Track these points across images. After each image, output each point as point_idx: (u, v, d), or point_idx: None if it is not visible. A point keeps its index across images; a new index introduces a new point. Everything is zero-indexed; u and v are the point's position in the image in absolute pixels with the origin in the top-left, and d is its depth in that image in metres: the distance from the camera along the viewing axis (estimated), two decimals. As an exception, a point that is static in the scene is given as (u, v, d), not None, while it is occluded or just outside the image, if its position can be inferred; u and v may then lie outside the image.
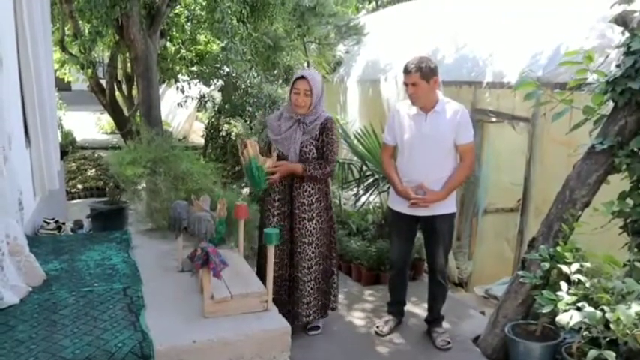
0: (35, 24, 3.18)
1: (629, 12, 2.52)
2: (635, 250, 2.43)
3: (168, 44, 6.92)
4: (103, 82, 7.51)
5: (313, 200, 2.83)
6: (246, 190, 4.63)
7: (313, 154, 2.79)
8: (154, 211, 3.06)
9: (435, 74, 2.76)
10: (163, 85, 8.54)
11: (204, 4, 6.32)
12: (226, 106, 5.99)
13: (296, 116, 2.79)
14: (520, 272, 2.66)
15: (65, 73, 7.83)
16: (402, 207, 2.89)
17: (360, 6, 12.12)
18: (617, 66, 2.49)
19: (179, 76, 7.03)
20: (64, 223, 3.20)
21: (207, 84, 6.65)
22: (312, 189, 2.82)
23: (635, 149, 2.45)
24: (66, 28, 6.71)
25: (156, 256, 2.66)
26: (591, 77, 2.60)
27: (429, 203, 2.78)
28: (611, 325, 2.05)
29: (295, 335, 2.12)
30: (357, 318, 3.33)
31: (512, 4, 4.82)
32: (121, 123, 7.20)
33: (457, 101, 2.92)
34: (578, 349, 2.27)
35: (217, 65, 6.19)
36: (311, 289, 2.87)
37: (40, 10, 3.45)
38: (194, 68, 6.89)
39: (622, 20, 2.54)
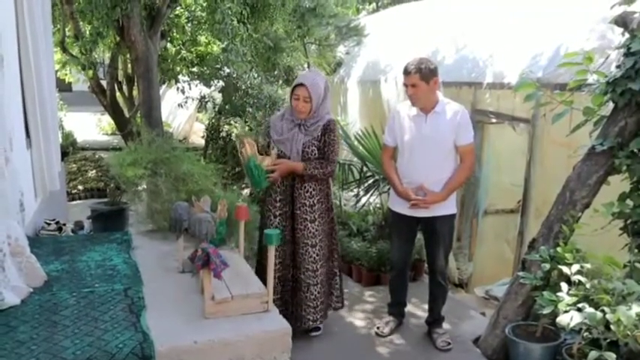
0: (36, 25, 3.18)
1: (630, 13, 2.52)
2: (636, 251, 2.43)
3: (168, 45, 6.93)
4: (104, 83, 7.52)
5: (315, 201, 2.83)
6: (246, 191, 4.64)
7: (315, 154, 2.79)
8: (155, 212, 3.06)
9: (435, 75, 2.76)
10: (164, 86, 8.55)
11: (204, 5, 6.32)
12: (227, 107, 5.99)
13: (297, 120, 2.79)
14: (520, 273, 2.66)
15: (66, 74, 7.84)
16: (402, 208, 2.89)
17: (361, 7, 12.13)
18: (618, 67, 2.49)
19: (180, 77, 7.03)
20: (64, 224, 3.20)
21: (208, 85, 6.66)
22: (314, 190, 2.82)
23: (635, 150, 2.45)
24: (67, 29, 6.72)
25: (156, 257, 2.67)
26: (591, 78, 2.60)
27: (429, 204, 2.79)
28: (612, 327, 2.05)
29: (295, 336, 2.12)
30: (358, 319, 3.33)
31: (513, 5, 4.83)
32: (122, 124, 7.21)
33: (457, 102, 2.93)
34: (579, 350, 2.27)
35: (218, 66, 6.20)
36: (318, 292, 2.85)
37: (41, 11, 3.46)
38: (194, 69, 6.89)
39: (622, 21, 2.54)
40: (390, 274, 3.25)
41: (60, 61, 7.11)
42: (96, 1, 4.65)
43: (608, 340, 2.11)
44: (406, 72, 2.77)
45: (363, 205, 4.44)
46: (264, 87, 5.69)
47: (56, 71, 6.13)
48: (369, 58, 6.47)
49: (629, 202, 2.48)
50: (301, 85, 2.74)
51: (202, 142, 7.28)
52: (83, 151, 8.89)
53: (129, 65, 7.60)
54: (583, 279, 2.33)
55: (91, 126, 12.06)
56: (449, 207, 2.88)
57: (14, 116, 2.84)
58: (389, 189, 3.22)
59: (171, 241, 2.74)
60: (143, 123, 5.26)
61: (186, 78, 6.97)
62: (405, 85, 2.80)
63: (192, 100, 6.83)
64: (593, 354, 2.06)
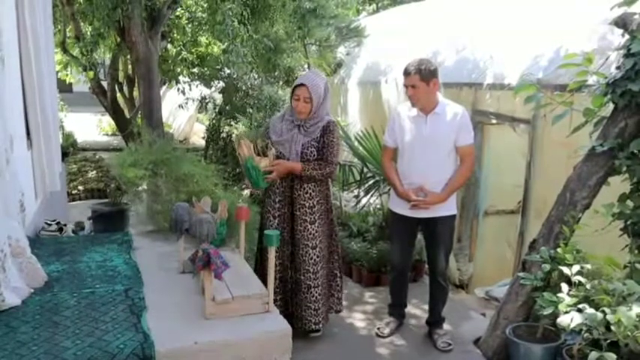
0: (37, 26, 3.19)
1: (629, 14, 2.52)
2: (636, 251, 2.43)
3: (169, 46, 6.95)
4: (105, 83, 7.54)
5: (314, 202, 2.83)
6: (246, 192, 4.64)
7: (314, 155, 2.79)
8: (156, 212, 3.06)
9: (435, 76, 2.77)
10: (164, 87, 8.57)
11: (205, 6, 6.34)
12: (227, 108, 6.00)
13: (297, 121, 2.79)
14: (521, 274, 2.66)
15: (67, 75, 7.85)
16: (402, 209, 2.89)
17: (361, 8, 12.14)
18: (618, 68, 2.49)
19: (180, 77, 7.04)
20: (65, 225, 3.21)
21: (208, 86, 6.67)
22: (313, 191, 2.82)
23: (635, 151, 2.45)
24: (67, 30, 6.73)
25: (157, 257, 2.67)
26: (591, 79, 2.61)
27: (429, 205, 2.79)
28: (612, 327, 2.05)
29: (296, 337, 2.12)
30: (358, 320, 3.33)
31: (513, 6, 4.83)
32: (122, 125, 7.22)
33: (458, 103, 2.93)
34: (579, 351, 2.27)
35: (218, 67, 6.20)
36: (318, 294, 2.84)
37: (42, 12, 3.47)
38: (195, 70, 6.91)
39: (622, 22, 2.54)
40: (390, 274, 3.25)
41: (61, 62, 7.13)
42: (97, 2, 4.66)
43: (608, 341, 2.11)
44: (406, 73, 2.78)
45: (364, 206, 4.44)
46: (265, 88, 5.69)
47: (57, 72, 6.13)
48: (370, 59, 6.48)
49: (630, 203, 2.48)
50: (302, 85, 2.74)
51: (203, 142, 7.28)
52: (84, 152, 8.89)
53: (129, 66, 7.62)
54: (583, 280, 2.33)
55: (92, 127, 12.07)
56: (449, 208, 2.88)
57: (15, 117, 2.84)
58: (389, 190, 3.23)
59: (171, 242, 2.74)
60: (144, 124, 5.27)
61: (186, 79, 6.98)
62: (405, 86, 2.80)
63: (193, 101, 6.84)
64: (594, 355, 2.06)
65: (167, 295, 2.20)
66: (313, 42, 6.56)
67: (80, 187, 6.28)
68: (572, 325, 2.16)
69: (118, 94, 7.79)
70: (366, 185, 4.25)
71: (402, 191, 2.85)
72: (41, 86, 3.22)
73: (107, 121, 11.26)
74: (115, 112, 7.44)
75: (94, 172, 6.89)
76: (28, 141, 3.24)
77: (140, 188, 3.17)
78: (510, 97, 3.53)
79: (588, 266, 2.40)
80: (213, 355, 1.85)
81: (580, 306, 2.21)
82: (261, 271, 2.62)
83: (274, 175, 2.75)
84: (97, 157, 8.12)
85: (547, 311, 2.33)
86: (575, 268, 2.37)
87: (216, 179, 3.34)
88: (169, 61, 6.91)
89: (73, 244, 2.78)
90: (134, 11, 4.81)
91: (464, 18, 5.41)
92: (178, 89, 7.04)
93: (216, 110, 6.36)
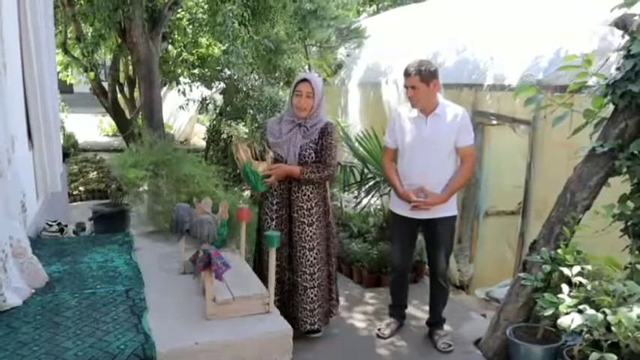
0: (38, 27, 3.20)
1: (629, 15, 2.53)
2: (637, 252, 2.43)
3: (170, 47, 6.96)
4: (105, 84, 7.55)
5: (312, 204, 2.83)
6: (247, 193, 4.64)
7: (312, 157, 2.79)
8: (156, 213, 3.07)
9: (435, 77, 2.77)
10: (165, 88, 8.58)
11: (206, 7, 6.35)
12: (228, 109, 6.01)
13: (297, 120, 2.79)
14: (521, 275, 2.66)
15: (67, 76, 7.86)
16: (403, 210, 2.90)
17: (361, 9, 12.15)
18: (618, 69, 2.50)
19: (181, 78, 7.05)
20: (66, 225, 3.21)
21: (209, 87, 6.68)
22: (311, 193, 2.82)
23: (635, 152, 2.45)
24: (68, 31, 6.74)
25: (158, 258, 2.67)
26: (591, 80, 2.61)
27: (430, 206, 2.79)
28: (613, 328, 2.05)
29: (296, 338, 2.12)
30: (358, 320, 3.33)
31: (513, 7, 4.83)
32: (123, 125, 7.23)
33: (458, 104, 2.93)
34: (580, 351, 2.27)
35: (219, 68, 6.21)
36: (315, 296, 2.85)
37: (44, 13, 3.48)
38: (196, 71, 6.91)
39: (622, 23, 2.55)
40: (390, 275, 3.25)
41: (62, 63, 7.14)
42: (98, 3, 4.67)
43: (609, 342, 2.11)
44: (406, 74, 2.78)
45: (364, 207, 4.45)
46: (265, 89, 5.70)
47: (58, 73, 6.14)
48: (370, 60, 6.48)
49: (630, 204, 2.48)
50: (304, 80, 2.75)
51: (203, 143, 7.30)
52: (84, 153, 8.90)
53: (130, 67, 7.63)
54: (584, 280, 2.33)
55: (93, 127, 12.08)
56: (449, 209, 2.88)
57: (16, 117, 2.85)
58: (390, 191, 3.23)
59: (172, 243, 2.74)
60: (144, 125, 5.28)
61: (187, 80, 6.99)
62: (406, 86, 2.81)
63: (194, 102, 6.85)
64: (594, 356, 2.06)
65: (168, 295, 2.21)
66: (314, 43, 6.57)
67: (81, 188, 6.29)
68: (573, 326, 2.16)
69: (119, 95, 7.80)
70: (367, 186, 4.26)
71: (403, 192, 2.85)
72: (42, 87, 3.23)
73: (108, 122, 11.27)
74: (115, 112, 7.45)
75: (95, 172, 6.89)
76: (30, 142, 3.25)
77: (141, 189, 3.18)
78: (510, 98, 3.53)
79: (589, 267, 2.40)
80: (214, 356, 1.85)
81: (580, 307, 2.21)
82: (259, 273, 2.62)
83: (273, 179, 2.75)
84: (98, 157, 8.13)
85: (547, 312, 2.33)
86: (576, 269, 2.38)
87: (216, 180, 3.35)
88: (170, 62, 6.93)
89: (74, 244, 2.79)
90: (135, 12, 4.82)
91: (464, 19, 5.42)
92: (179, 90, 7.05)
93: (217, 111, 6.38)
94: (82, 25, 6.36)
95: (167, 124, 9.52)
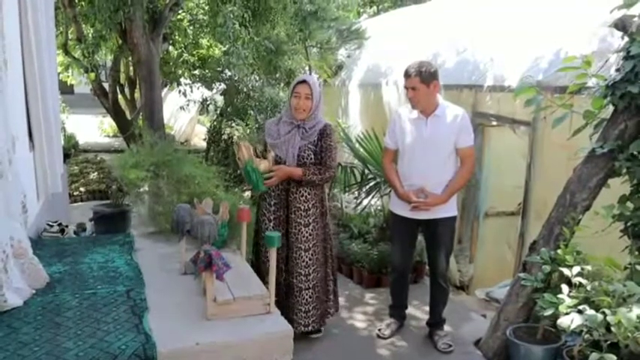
0: (40, 28, 3.20)
1: (629, 17, 2.53)
2: (636, 253, 2.43)
3: (170, 48, 6.97)
4: (106, 85, 7.56)
5: (310, 206, 2.83)
6: (248, 194, 4.65)
7: (311, 159, 2.79)
8: (157, 214, 3.07)
9: (435, 78, 2.78)
10: (166, 89, 8.59)
11: (206, 8, 6.36)
12: (228, 110, 6.01)
13: (296, 122, 2.80)
14: (521, 275, 2.67)
15: (68, 77, 7.88)
16: (403, 210, 2.90)
17: (362, 10, 12.16)
18: (617, 70, 2.50)
19: (181, 79, 7.06)
20: (67, 226, 3.22)
21: (210, 88, 6.69)
22: (309, 194, 2.83)
23: (635, 153, 2.46)
24: (69, 32, 6.75)
25: (158, 258, 2.68)
26: (591, 81, 2.61)
27: (430, 206, 2.79)
28: (613, 329, 2.06)
29: (296, 338, 2.12)
30: (359, 321, 3.33)
31: (513, 8, 4.84)
32: (124, 126, 7.23)
33: (458, 105, 2.94)
34: (580, 352, 2.28)
35: (219, 69, 6.22)
36: (309, 297, 2.85)
37: (45, 14, 3.48)
38: (196, 72, 6.92)
39: (622, 25, 2.55)
40: (391, 276, 3.25)
41: (62, 64, 7.15)
42: (99, 4, 4.68)
43: (608, 342, 2.11)
44: (406, 75, 2.79)
45: (365, 208, 4.45)
46: (266, 90, 5.71)
47: (58, 73, 6.16)
48: (370, 61, 6.49)
49: (630, 205, 2.49)
50: (303, 82, 2.76)
51: (204, 144, 7.30)
52: (85, 154, 8.91)
53: (131, 68, 7.64)
54: (584, 281, 2.33)
55: (93, 128, 12.09)
56: (450, 209, 2.89)
57: (17, 118, 2.85)
58: (390, 191, 3.23)
59: (173, 243, 2.75)
60: (145, 125, 5.28)
61: (187, 81, 7.00)
62: (406, 88, 2.81)
63: (194, 102, 6.86)
64: (594, 356, 2.07)
65: (168, 296, 2.21)
66: (314, 44, 6.58)
67: (82, 189, 6.29)
68: (573, 327, 2.16)
69: (120, 96, 7.81)
70: (367, 187, 4.26)
71: (403, 193, 2.85)
72: (43, 88, 3.23)
73: (108, 123, 11.28)
74: (116, 113, 7.45)
75: (96, 173, 6.90)
76: (30, 142, 3.25)
77: (141, 190, 3.18)
78: (510, 99, 3.54)
79: (589, 267, 2.41)
80: (215, 356, 1.85)
81: (580, 307, 2.21)
82: (256, 273, 2.62)
83: (274, 180, 2.75)
84: (99, 158, 8.13)
85: (547, 312, 2.33)
86: (576, 269, 2.38)
87: (217, 181, 3.35)
88: (171, 63, 6.94)
89: (75, 245, 2.79)
90: (136, 13, 4.83)
91: (464, 20, 5.42)
92: (179, 91, 7.05)
93: (218, 112, 6.38)
94: (83, 26, 6.37)
95: (168, 125, 9.53)
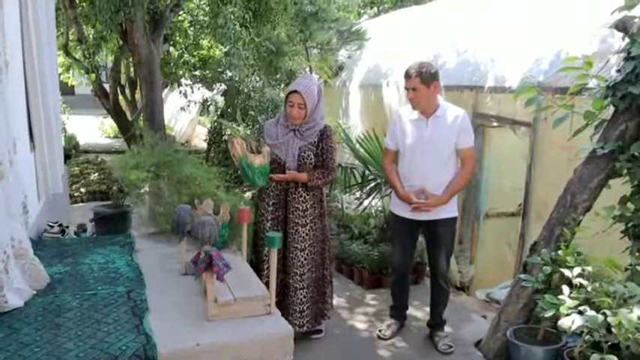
0: (40, 29, 3.21)
1: (630, 18, 2.53)
2: (637, 254, 2.43)
3: (171, 49, 6.98)
4: (107, 86, 7.57)
5: (308, 206, 2.84)
6: (248, 194, 4.65)
7: (311, 159, 2.80)
8: (158, 214, 3.07)
9: (436, 79, 2.78)
10: (166, 90, 8.60)
11: (207, 9, 6.37)
12: (229, 111, 6.02)
13: (291, 126, 2.81)
14: (522, 276, 2.67)
15: (69, 78, 7.89)
16: (403, 211, 2.90)
17: (362, 11, 12.17)
18: (618, 71, 2.50)
19: (182, 80, 7.07)
20: (67, 227, 3.22)
21: (210, 88, 6.69)
22: (308, 195, 2.84)
23: (635, 153, 2.45)
24: (70, 33, 6.77)
25: (159, 259, 2.67)
26: (592, 82, 2.61)
27: (430, 207, 2.79)
28: (613, 330, 2.06)
29: (297, 338, 2.12)
30: (359, 322, 3.33)
31: (514, 8, 4.84)
32: (125, 127, 7.24)
33: (458, 106, 2.94)
34: (580, 353, 2.27)
35: (220, 70, 6.23)
36: (304, 297, 2.86)
37: (45, 15, 3.49)
38: (197, 73, 6.93)
39: (622, 26, 2.55)
40: (391, 277, 3.26)
41: (63, 65, 7.16)
42: (99, 5, 4.68)
43: (609, 343, 2.11)
44: (407, 76, 2.79)
45: (365, 208, 4.45)
46: (267, 90, 5.71)
47: (59, 74, 6.16)
48: (371, 62, 6.49)
49: (630, 206, 2.49)
50: (295, 92, 2.76)
51: (205, 145, 7.30)
52: (86, 154, 8.93)
53: (132, 69, 7.65)
54: (584, 282, 2.33)
55: (94, 129, 12.11)
56: (450, 210, 2.89)
57: (18, 119, 2.86)
58: (390, 192, 3.23)
59: (173, 244, 2.75)
60: (146, 126, 5.29)
61: (188, 81, 7.01)
62: (406, 88, 2.81)
63: (195, 103, 6.87)
64: (595, 357, 2.06)
65: (169, 296, 2.21)
66: (315, 45, 6.58)
67: (82, 190, 6.30)
68: (573, 328, 2.16)
69: (120, 97, 7.82)
70: (368, 187, 4.26)
71: (403, 194, 2.86)
72: (44, 89, 3.24)
73: (109, 124, 11.30)
74: (117, 114, 7.46)
75: (96, 174, 6.91)
76: (31, 143, 3.26)
77: (142, 190, 3.18)
78: (511, 99, 3.54)
79: (589, 268, 2.40)
80: (215, 357, 1.85)
81: (581, 308, 2.21)
82: (256, 274, 2.62)
83: (282, 178, 2.76)
84: (99, 159, 8.14)
85: (548, 313, 2.33)
86: (576, 270, 2.38)
87: (218, 181, 3.34)
88: (171, 64, 6.95)
89: (76, 245, 2.79)
90: (136, 14, 4.84)
91: (465, 21, 5.43)
92: (180, 92, 7.06)
93: (218, 113, 6.39)
94: (84, 27, 6.38)
95: (168, 126, 9.54)
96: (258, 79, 5.93)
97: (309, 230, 2.84)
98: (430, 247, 2.99)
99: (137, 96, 7.61)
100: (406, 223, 2.93)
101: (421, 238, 3.15)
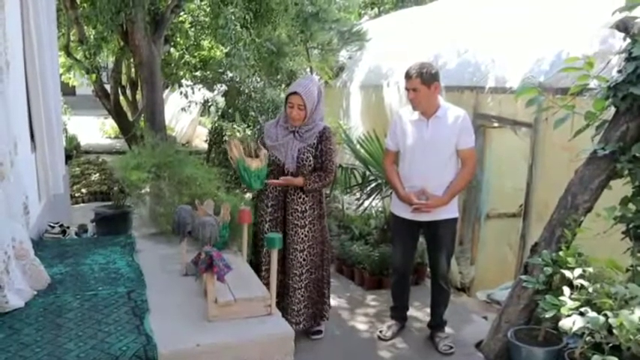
0: (41, 30, 3.21)
1: (631, 18, 2.53)
2: (638, 255, 2.43)
3: (172, 50, 6.98)
4: (108, 87, 7.58)
5: (307, 207, 2.84)
6: (249, 195, 4.65)
7: (310, 161, 2.80)
8: (158, 215, 3.07)
9: (436, 80, 2.78)
10: (167, 90, 8.60)
11: (208, 10, 6.37)
12: (230, 111, 6.02)
13: (291, 127, 2.81)
14: (523, 277, 2.66)
15: (70, 78, 7.90)
16: (404, 212, 2.90)
17: (363, 12, 12.18)
18: (619, 72, 2.50)
19: (183, 81, 7.08)
20: (68, 227, 3.22)
21: (211, 89, 6.70)
22: (306, 196, 2.85)
23: (637, 154, 2.45)
24: (71, 34, 6.78)
25: (160, 260, 2.67)
26: (593, 83, 2.61)
27: (431, 208, 2.79)
28: (614, 331, 2.05)
29: (297, 339, 2.12)
30: (360, 322, 3.33)
31: (514, 9, 4.84)
32: (125, 128, 7.25)
33: (459, 106, 2.94)
34: (581, 354, 2.27)
35: (221, 70, 6.24)
36: (301, 296, 2.87)
37: (46, 16, 3.49)
38: (198, 73, 6.94)
39: (623, 26, 2.55)
40: (392, 277, 3.25)
41: (64, 65, 7.17)
42: (100, 6, 4.69)
43: (610, 345, 2.11)
44: (407, 76, 2.79)
45: (366, 209, 4.45)
46: (267, 91, 5.72)
47: (60, 75, 6.17)
48: (372, 62, 6.49)
49: (631, 207, 2.48)
50: (295, 93, 2.77)
51: (205, 145, 7.31)
52: (87, 155, 8.94)
53: (132, 69, 7.66)
54: (585, 283, 2.33)
55: (95, 130, 12.12)
56: (451, 211, 2.89)
57: (19, 120, 2.86)
58: (391, 193, 3.23)
59: (174, 245, 2.75)
60: (146, 127, 5.29)
61: (189, 82, 7.01)
62: (407, 89, 2.81)
63: (196, 104, 6.87)
64: (596, 358, 2.06)
65: (170, 297, 2.21)
66: (315, 45, 6.59)
67: (83, 190, 6.31)
68: (574, 329, 2.15)
69: (121, 97, 7.83)
70: (368, 188, 4.26)
71: (404, 194, 2.85)
72: (45, 89, 3.24)
73: (110, 124, 11.31)
74: (118, 115, 7.47)
75: (97, 174, 6.92)
76: (32, 144, 3.26)
77: (143, 191, 3.18)
78: (512, 100, 3.54)
79: (590, 269, 2.40)
80: (215, 357, 1.85)
81: (582, 309, 2.21)
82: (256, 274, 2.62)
83: (276, 183, 2.77)
84: (100, 159, 8.15)
85: (549, 314, 2.33)
86: (577, 271, 2.37)
87: (218, 182, 3.34)
88: (172, 65, 6.95)
89: (76, 246, 2.79)
90: (137, 15, 4.84)
91: (465, 22, 5.43)
92: (181, 92, 7.07)
93: (219, 113, 6.39)
94: (85, 27, 6.39)
95: (169, 127, 9.55)
96: (258, 79, 5.94)
97: (308, 231, 2.85)
98: (431, 248, 2.99)
99: (138, 97, 7.61)
100: (407, 224, 2.93)
101: (422, 239, 3.15)
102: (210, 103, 6.65)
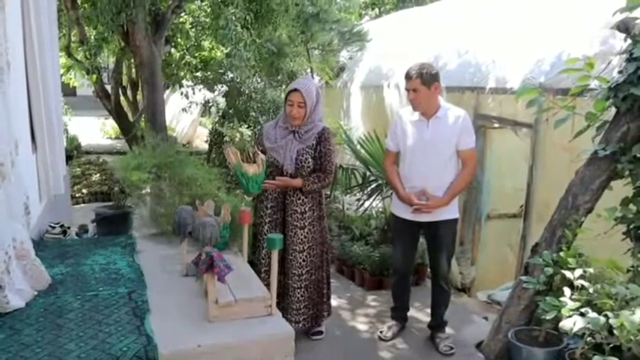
0: (42, 30, 3.21)
1: (632, 19, 2.53)
2: (639, 255, 2.42)
3: (172, 50, 6.99)
4: (108, 87, 7.59)
5: (306, 209, 2.85)
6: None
7: (309, 163, 2.80)
8: (159, 215, 3.07)
9: (436, 80, 2.78)
10: (168, 91, 8.61)
11: (208, 10, 6.38)
12: (230, 112, 6.02)
13: (291, 127, 2.81)
14: (523, 278, 2.66)
15: (70, 79, 7.90)
16: (404, 213, 2.90)
17: (363, 12, 12.18)
18: (620, 72, 2.50)
19: (183, 81, 7.08)
20: (69, 228, 3.22)
21: (212, 89, 6.70)
22: (306, 197, 2.85)
23: (637, 155, 2.45)
24: (72, 34, 6.79)
25: (160, 260, 2.68)
26: (593, 83, 2.61)
27: (431, 209, 2.79)
28: (615, 331, 2.05)
29: (298, 339, 2.12)
30: (360, 323, 3.33)
31: (515, 10, 4.84)
32: (126, 128, 7.26)
33: (460, 107, 2.94)
34: (582, 355, 2.27)
35: (221, 71, 6.24)
36: (301, 296, 2.87)
37: (47, 16, 3.49)
38: (198, 74, 6.94)
39: (624, 27, 2.55)
40: (392, 278, 3.25)
41: (65, 66, 7.18)
42: (101, 6, 4.69)
43: (611, 345, 2.10)
44: (407, 77, 2.79)
45: (366, 210, 4.45)
46: (268, 91, 5.72)
47: (61, 75, 6.18)
48: (372, 63, 6.50)
49: (632, 207, 2.48)
50: (295, 90, 2.77)
51: (206, 146, 7.31)
52: (87, 155, 8.94)
53: (133, 70, 7.67)
54: (586, 283, 2.33)
55: (96, 130, 12.13)
56: (451, 211, 2.89)
57: (20, 120, 2.86)
58: (391, 193, 3.23)
59: (174, 245, 2.75)
60: (147, 127, 5.29)
61: (190, 83, 7.01)
62: (407, 89, 2.82)
63: (196, 104, 6.87)
64: (597, 359, 2.06)
65: (170, 297, 2.21)
66: (316, 46, 6.59)
67: (84, 190, 6.31)
68: (575, 329, 2.15)
69: (122, 98, 7.84)
70: (369, 189, 4.26)
71: (404, 195, 2.85)
72: (46, 90, 3.24)
73: (111, 125, 11.31)
74: (118, 115, 7.48)
75: (98, 175, 6.92)
76: (33, 144, 3.26)
77: (144, 191, 3.18)
78: (512, 101, 3.54)
79: (591, 270, 2.40)
80: (216, 358, 1.85)
81: (583, 310, 2.21)
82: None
83: (272, 186, 2.77)
84: (101, 160, 8.16)
85: (549, 315, 2.32)
86: (578, 271, 2.37)
87: (219, 183, 3.35)
88: (173, 65, 6.96)
89: (77, 246, 2.79)
90: (138, 16, 4.84)
91: (466, 22, 5.43)
92: (182, 93, 7.07)
93: (220, 114, 6.39)
94: (86, 28, 6.40)
95: (170, 127, 9.55)
96: (259, 80, 5.94)
97: (307, 233, 2.85)
98: (431, 249, 2.99)
99: (139, 97, 7.62)
100: (407, 225, 2.93)
101: (422, 240, 3.15)
102: (210, 104, 6.65)
